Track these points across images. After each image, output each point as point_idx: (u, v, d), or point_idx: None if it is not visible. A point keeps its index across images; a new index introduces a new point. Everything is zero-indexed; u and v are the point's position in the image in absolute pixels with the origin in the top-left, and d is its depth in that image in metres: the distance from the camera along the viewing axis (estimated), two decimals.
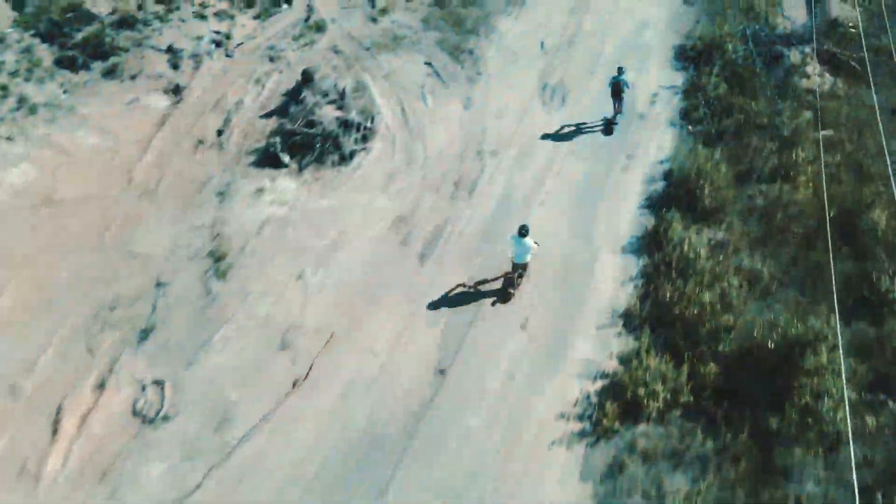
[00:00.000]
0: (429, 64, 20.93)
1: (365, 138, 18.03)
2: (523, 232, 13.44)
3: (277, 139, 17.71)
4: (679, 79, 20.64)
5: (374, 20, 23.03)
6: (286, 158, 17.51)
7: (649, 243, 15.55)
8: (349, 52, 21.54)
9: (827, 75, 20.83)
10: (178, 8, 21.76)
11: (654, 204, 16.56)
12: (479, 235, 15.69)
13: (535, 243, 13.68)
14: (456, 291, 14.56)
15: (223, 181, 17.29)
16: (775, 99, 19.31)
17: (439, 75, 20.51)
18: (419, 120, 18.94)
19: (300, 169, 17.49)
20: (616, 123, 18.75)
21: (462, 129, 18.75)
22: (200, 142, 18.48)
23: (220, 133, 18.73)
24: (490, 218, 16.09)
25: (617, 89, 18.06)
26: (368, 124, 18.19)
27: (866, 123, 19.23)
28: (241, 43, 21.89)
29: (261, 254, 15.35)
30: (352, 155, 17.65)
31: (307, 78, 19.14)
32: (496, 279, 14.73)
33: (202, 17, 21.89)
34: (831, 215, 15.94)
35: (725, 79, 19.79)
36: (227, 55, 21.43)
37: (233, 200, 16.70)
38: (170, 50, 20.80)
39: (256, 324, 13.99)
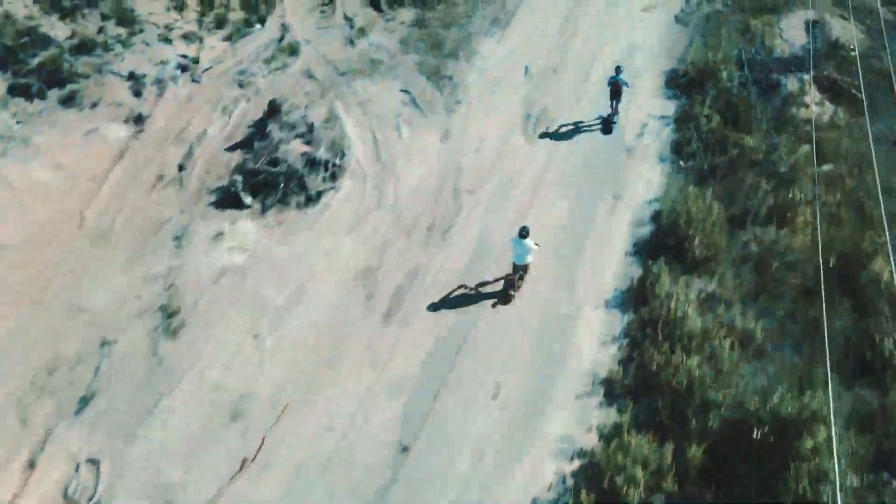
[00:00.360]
0: (406, 91, 19.64)
1: (333, 176, 16.78)
2: (524, 233, 13.32)
3: (239, 178, 16.46)
4: (670, 108, 19.35)
5: (351, 42, 21.73)
6: (248, 199, 16.26)
7: (635, 297, 14.32)
8: (323, 77, 20.24)
9: (827, 104, 19.55)
10: (141, 31, 20.45)
11: (642, 251, 15.33)
12: (452, 289, 14.45)
13: (536, 244, 13.60)
14: (457, 293, 14.31)
15: (181, 223, 16.04)
16: (772, 132, 18.05)
17: (416, 104, 19.23)
18: (393, 154, 17.68)
19: (263, 210, 16.24)
20: (615, 122, 18.47)
21: (438, 164, 17.49)
22: (160, 177, 17.23)
23: (181, 168, 17.47)
24: (463, 269, 14.84)
25: (616, 88, 17.74)
26: (337, 161, 16.92)
27: (868, 156, 18.00)
28: (210, 67, 20.59)
29: (215, 309, 14.12)
30: (318, 195, 16.40)
31: (273, 109, 17.86)
32: (497, 280, 14.48)
33: (167, 40, 20.60)
34: (830, 265, 14.76)
35: (719, 110, 18.50)
36: (194, 80, 20.14)
37: (190, 246, 15.45)
38: (132, 76, 19.50)
39: (206, 391, 12.77)
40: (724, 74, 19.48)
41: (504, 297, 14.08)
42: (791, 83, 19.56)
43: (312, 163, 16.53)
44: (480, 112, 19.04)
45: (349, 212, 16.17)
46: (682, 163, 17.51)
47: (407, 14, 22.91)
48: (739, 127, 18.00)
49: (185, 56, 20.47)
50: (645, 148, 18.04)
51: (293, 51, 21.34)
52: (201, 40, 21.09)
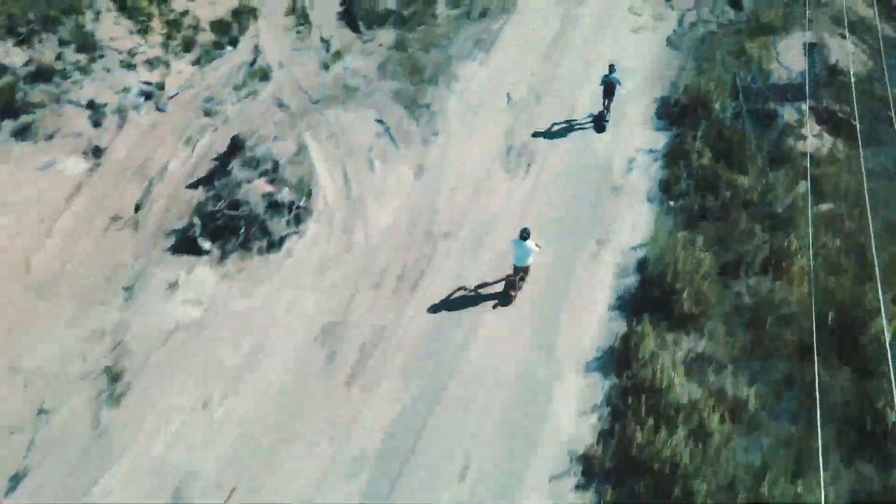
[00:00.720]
0: (380, 121, 18.44)
1: (298, 219, 15.59)
2: (524, 235, 13.17)
3: (197, 221, 15.27)
4: (660, 140, 18.15)
5: (325, 66, 20.50)
6: (207, 245, 15.09)
7: (618, 359, 13.16)
8: (295, 105, 19.04)
9: (826, 135, 18.35)
10: (102, 56, 19.22)
11: (626, 304, 14.16)
12: (420, 350, 13.29)
13: (537, 246, 13.52)
14: (456, 295, 14.11)
15: (134, 271, 14.87)
16: (767, 168, 16.86)
17: (391, 135, 18.03)
18: (364, 192, 16.49)
19: (223, 256, 15.06)
20: (607, 121, 18.36)
21: (412, 203, 16.30)
22: (115, 218, 16.06)
23: (138, 207, 16.30)
24: (434, 326, 13.68)
25: (609, 87, 17.65)
26: (303, 202, 15.73)
27: (870, 193, 16.83)
28: (176, 94, 19.38)
29: (164, 372, 12.95)
30: (282, 240, 15.22)
31: (237, 145, 16.65)
32: (497, 282, 14.34)
33: (130, 65, 19.37)
34: (829, 320, 13.63)
35: (711, 144, 17.29)
36: (158, 108, 18.94)
37: (142, 297, 14.29)
38: (92, 105, 18.29)
39: (148, 469, 11.62)
40: (718, 104, 18.26)
41: (505, 299, 13.91)
42: (788, 113, 18.35)
43: (276, 205, 15.31)
44: (459, 144, 17.84)
45: (314, 259, 14.99)
46: (671, 203, 16.33)
47: (386, 35, 21.69)
48: (733, 163, 16.79)
49: (148, 83, 19.26)
50: (632, 186, 16.84)
51: (264, 76, 20.13)
52: (167, 65, 19.87)
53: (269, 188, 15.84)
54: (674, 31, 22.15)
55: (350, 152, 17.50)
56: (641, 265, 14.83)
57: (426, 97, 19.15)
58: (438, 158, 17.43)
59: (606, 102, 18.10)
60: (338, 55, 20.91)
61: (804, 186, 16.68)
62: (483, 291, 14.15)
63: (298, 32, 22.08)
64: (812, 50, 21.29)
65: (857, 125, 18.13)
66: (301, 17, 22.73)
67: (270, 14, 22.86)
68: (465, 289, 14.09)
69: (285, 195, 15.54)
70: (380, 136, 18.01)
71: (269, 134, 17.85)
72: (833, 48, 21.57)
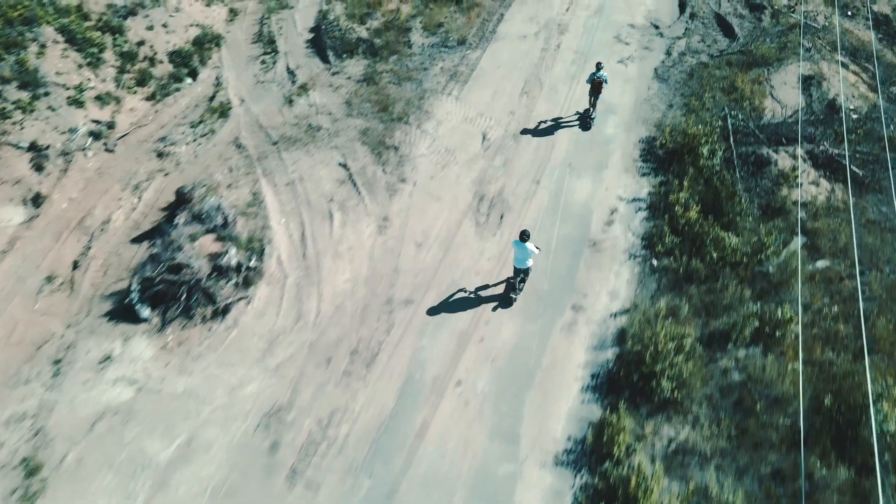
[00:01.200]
0: (344, 166, 17.02)
1: (247, 282, 14.19)
2: (524, 237, 13.02)
3: (136, 286, 13.87)
4: (644, 188, 16.75)
5: (290, 101, 19.08)
6: (145, 312, 13.69)
7: (591, 453, 11.78)
8: (253, 146, 17.62)
9: (823, 182, 16.96)
10: (47, 94, 17.74)
11: (602, 385, 12.78)
12: (371, 443, 11.90)
13: (537, 248, 13.36)
14: (457, 297, 13.93)
15: (65, 341, 13.48)
16: (759, 225, 15.47)
17: (355, 182, 16.61)
18: (321, 250, 15.08)
19: (163, 324, 13.66)
20: (593, 118, 18.27)
21: (372, 263, 14.90)
22: (49, 278, 14.64)
23: (75, 265, 14.90)
24: (389, 413, 12.29)
25: (596, 85, 17.56)
26: (253, 263, 14.34)
27: (869, 248, 15.49)
28: (127, 133, 17.98)
29: (85, 467, 11.57)
30: (227, 308, 13.82)
31: (182, 199, 15.25)
32: (498, 284, 14.22)
33: (78, 103, 17.90)
34: (824, 406, 12.27)
35: (699, 196, 15.89)
36: (107, 149, 17.53)
37: (70, 374, 12.89)
38: (34, 147, 16.84)
39: None
40: (706, 149, 16.84)
41: (506, 301, 13.85)
42: (782, 159, 16.93)
43: (222, 269, 13.91)
44: (427, 194, 16.42)
45: (261, 330, 13.60)
46: (654, 262, 14.94)
47: (356, 67, 20.27)
48: (722, 218, 15.38)
49: (97, 121, 17.83)
50: (613, 241, 15.44)
51: (224, 112, 18.71)
52: (118, 101, 18.43)
53: (216, 247, 14.44)
54: (662, 61, 20.73)
55: (309, 203, 16.09)
56: (620, 337, 13.44)
57: (395, 138, 17.73)
58: (404, 210, 16.02)
59: (593, 100, 17.97)
60: (303, 89, 19.49)
61: (799, 243, 15.35)
62: (483, 294, 14.00)
63: (264, 63, 20.67)
64: (809, 83, 19.93)
65: (859, 173, 16.81)
66: (268, 44, 21.33)
67: (235, 42, 21.46)
68: (465, 290, 13.95)
69: (233, 256, 14.13)
70: (342, 183, 16.60)
71: (223, 181, 16.47)
72: (832, 80, 20.16)
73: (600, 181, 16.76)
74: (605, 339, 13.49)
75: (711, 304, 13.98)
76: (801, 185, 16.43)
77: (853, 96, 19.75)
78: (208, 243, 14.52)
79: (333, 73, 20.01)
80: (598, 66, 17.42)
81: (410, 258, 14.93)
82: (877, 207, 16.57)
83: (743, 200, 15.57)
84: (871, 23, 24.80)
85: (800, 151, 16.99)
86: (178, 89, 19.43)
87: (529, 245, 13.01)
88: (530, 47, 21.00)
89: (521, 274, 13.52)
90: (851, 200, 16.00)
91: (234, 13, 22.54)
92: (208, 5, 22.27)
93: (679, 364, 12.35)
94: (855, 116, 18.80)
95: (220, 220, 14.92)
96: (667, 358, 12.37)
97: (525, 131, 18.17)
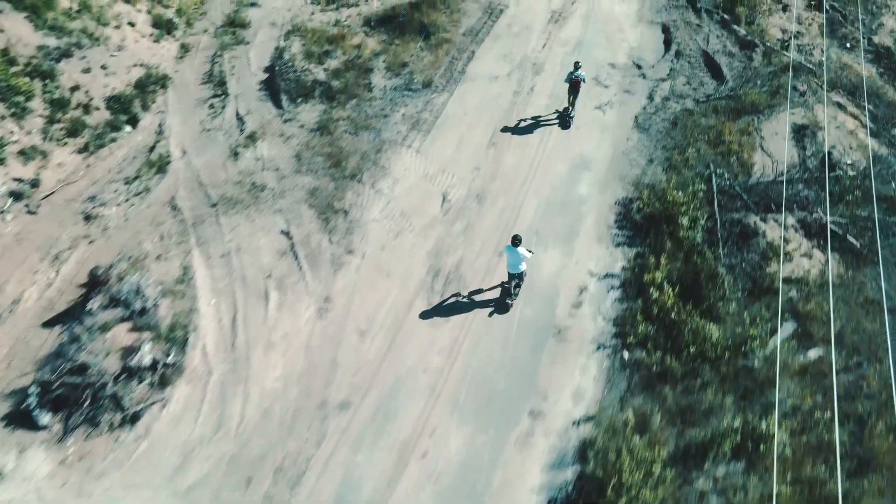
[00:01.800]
0: (287, 234, 15.27)
1: (164, 381, 12.46)
2: (516, 241, 12.84)
3: (35, 388, 12.14)
4: (618, 261, 14.99)
5: (235, 153, 17.30)
6: (45, 418, 11.98)
7: None
8: (190, 209, 15.86)
9: (817, 253, 15.19)
10: None
11: None
12: None
13: (529, 251, 13.20)
14: (450, 301, 13.59)
15: None
16: (743, 308, 13.73)
17: (297, 254, 14.86)
18: (252, 340, 13.34)
19: (65, 432, 11.95)
20: (571, 117, 18.09)
21: (308, 356, 13.15)
22: None
23: None
24: None
25: (575, 84, 17.34)
26: (171, 358, 12.60)
27: (874, 337, 13.75)
28: (52, 192, 16.22)
29: None
30: (138, 414, 12.09)
31: (97, 281, 13.51)
32: (492, 289, 13.97)
33: None
34: None
35: (677, 276, 14.13)
36: (30, 212, 15.78)
37: None
38: None
39: None
40: (687, 218, 15.08)
41: (502, 307, 13.65)
42: (770, 229, 15.16)
43: (131, 372, 12.17)
44: (376, 268, 14.66)
45: (176, 441, 11.86)
46: (625, 354, 13.20)
47: (311, 113, 18.47)
48: (701, 304, 13.63)
49: (20, 179, 16.06)
50: (581, 328, 13.69)
51: (162, 167, 16.95)
52: (45, 155, 16.64)
53: (130, 339, 12.70)
54: (643, 107, 18.93)
55: (244, 279, 14.34)
56: (582, 453, 11.71)
57: (345, 200, 15.96)
58: (349, 287, 14.27)
59: (571, 99, 17.78)
60: (252, 139, 17.70)
61: (788, 330, 13.61)
62: (477, 298, 13.76)
63: (212, 108, 18.87)
64: (803, 135, 18.14)
65: (856, 244, 15.06)
66: (218, 85, 19.53)
67: (184, 83, 19.66)
68: (459, 295, 13.67)
69: (147, 353, 12.39)
70: (283, 255, 14.84)
71: (152, 251, 14.73)
72: (829, 129, 18.34)
73: (570, 253, 15.01)
74: (565, 455, 11.76)
75: (688, 409, 12.26)
76: (792, 258, 14.67)
77: (850, 148, 17.97)
78: (122, 334, 12.78)
79: (286, 121, 18.22)
80: (577, 65, 17.21)
81: (352, 349, 13.19)
82: (876, 283, 14.79)
83: (726, 283, 13.81)
84: (868, 56, 23.02)
85: (791, 220, 15.22)
86: (114, 139, 17.66)
87: (521, 250, 12.82)
88: (501, 90, 19.21)
89: (516, 279, 13.34)
90: (848, 273, 14.32)
91: (185, 49, 20.73)
92: (157, 41, 20.46)
93: (651, 484, 10.61)
94: (852, 173, 17.02)
95: (139, 306, 13.17)
96: (632, 489, 10.63)
97: (489, 191, 16.39)
